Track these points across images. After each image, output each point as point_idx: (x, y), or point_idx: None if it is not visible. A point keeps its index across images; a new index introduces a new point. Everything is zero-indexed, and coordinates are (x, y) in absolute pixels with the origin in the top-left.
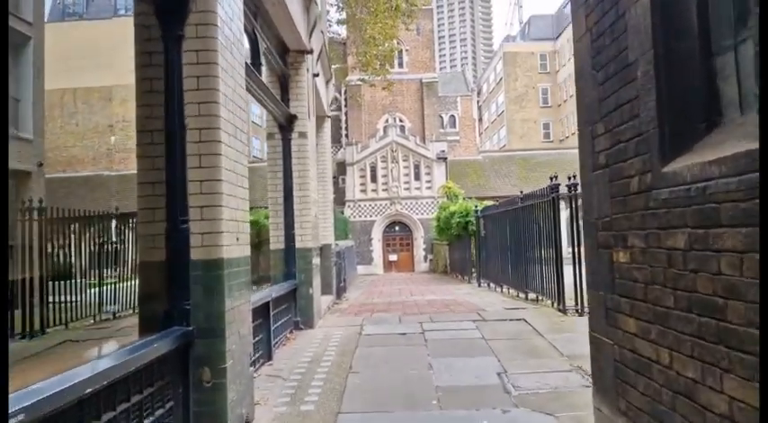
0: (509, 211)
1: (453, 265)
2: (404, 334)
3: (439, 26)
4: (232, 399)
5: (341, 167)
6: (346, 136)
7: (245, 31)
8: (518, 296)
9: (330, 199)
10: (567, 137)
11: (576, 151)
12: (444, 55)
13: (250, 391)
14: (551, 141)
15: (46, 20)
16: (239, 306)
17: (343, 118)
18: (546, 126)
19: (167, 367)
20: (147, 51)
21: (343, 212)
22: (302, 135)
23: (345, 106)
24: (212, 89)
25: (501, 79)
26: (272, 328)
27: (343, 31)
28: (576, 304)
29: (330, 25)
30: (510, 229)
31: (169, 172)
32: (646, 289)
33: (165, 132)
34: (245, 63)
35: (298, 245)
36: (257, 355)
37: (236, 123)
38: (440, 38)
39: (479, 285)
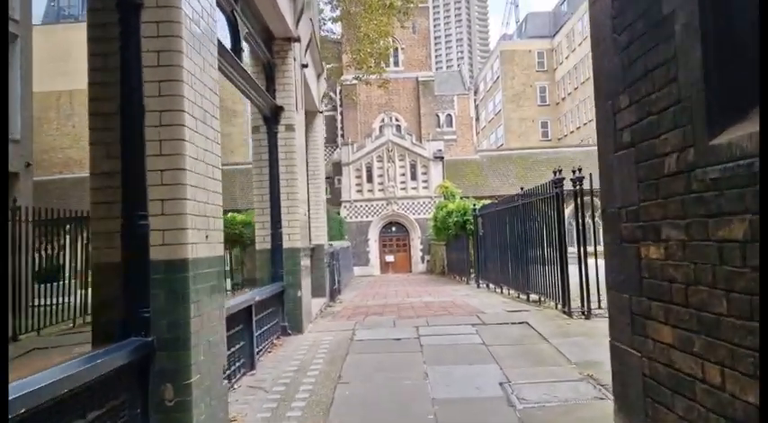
0: (509, 208)
1: (451, 265)
2: (398, 339)
3: (435, 26)
4: (199, 418)
5: (336, 168)
6: (342, 136)
7: (224, 11)
8: (519, 297)
9: (323, 198)
10: (566, 135)
11: (576, 150)
12: (440, 55)
13: (223, 408)
14: (549, 140)
15: (41, 22)
16: (209, 313)
17: (339, 118)
18: (544, 125)
19: (122, 384)
20: (100, 23)
21: (339, 213)
22: (289, 128)
23: (341, 106)
24: (175, 66)
25: (498, 78)
26: (256, 335)
27: (337, 28)
28: (582, 306)
29: (324, 23)
30: (510, 228)
31: (125, 161)
32: (686, 291)
33: (120, 115)
34: (219, 42)
35: (285, 245)
36: (238, 364)
37: (206, 107)
38: (436, 38)
39: (478, 286)
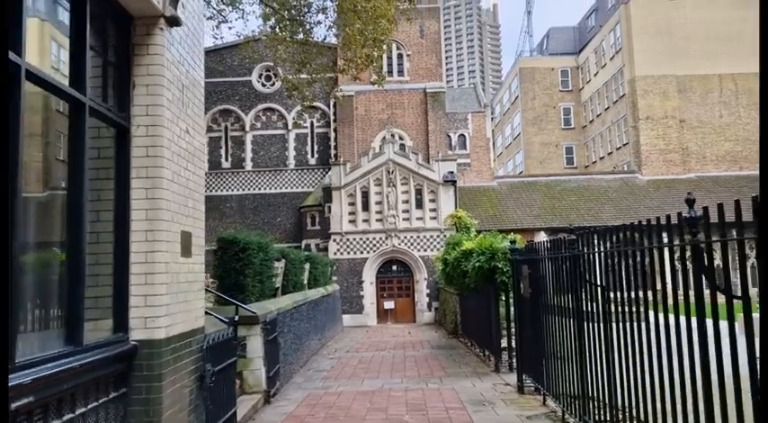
0: (629, 250)
1: (468, 326)
2: None
3: (446, 55)
4: None
5: (327, 194)
6: (335, 156)
7: None
8: None
9: (194, 216)
10: (594, 162)
11: (610, 177)
12: (452, 84)
13: None
14: (575, 167)
15: None
16: None
17: (332, 135)
18: (569, 150)
19: None
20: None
21: (326, 249)
22: None
23: (335, 122)
24: None
25: (517, 98)
26: None
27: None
28: None
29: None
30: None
31: None
32: None
33: None
34: None
35: None
36: None
37: None
38: (447, 71)
39: (520, 389)
